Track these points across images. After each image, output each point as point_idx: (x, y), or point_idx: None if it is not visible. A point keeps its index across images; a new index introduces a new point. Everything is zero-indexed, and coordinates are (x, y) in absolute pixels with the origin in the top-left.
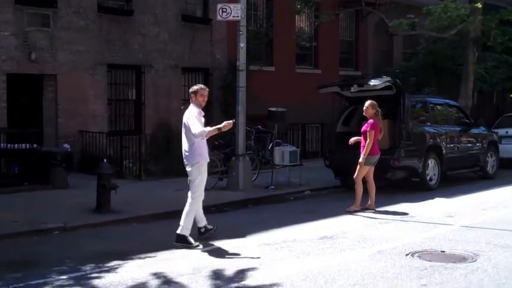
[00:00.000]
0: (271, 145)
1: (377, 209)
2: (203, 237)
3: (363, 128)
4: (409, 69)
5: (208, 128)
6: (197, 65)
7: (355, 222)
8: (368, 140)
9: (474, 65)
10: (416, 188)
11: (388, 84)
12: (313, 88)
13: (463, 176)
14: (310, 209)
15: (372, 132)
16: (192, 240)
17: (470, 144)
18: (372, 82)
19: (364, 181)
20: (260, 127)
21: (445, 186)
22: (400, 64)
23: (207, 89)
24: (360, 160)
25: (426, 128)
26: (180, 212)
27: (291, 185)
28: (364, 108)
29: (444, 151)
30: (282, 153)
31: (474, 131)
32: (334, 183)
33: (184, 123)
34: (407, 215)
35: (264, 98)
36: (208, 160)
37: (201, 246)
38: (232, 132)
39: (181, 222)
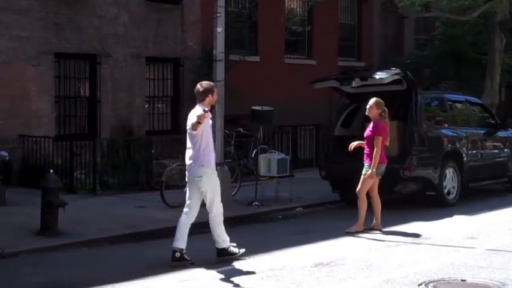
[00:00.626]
0: (255, 152)
1: (384, 230)
2: (173, 264)
3: (367, 133)
4: (422, 59)
5: (193, 119)
6: (165, 54)
7: (357, 246)
8: (375, 149)
9: (501, 54)
10: (431, 203)
11: (397, 77)
12: (307, 82)
13: (487, 188)
14: (302, 229)
15: (379, 139)
16: (235, 250)
17: (496, 150)
18: (378, 75)
19: (368, 196)
20: (241, 130)
21: (466, 201)
22: (411, 53)
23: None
24: (368, 172)
25: (443, 130)
26: (144, 233)
27: (279, 200)
28: (368, 107)
29: (465, 158)
30: (268, 162)
31: (501, 134)
32: (331, 198)
33: (189, 127)
34: (421, 237)
35: (247, 95)
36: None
37: (243, 251)
38: None
39: (216, 237)
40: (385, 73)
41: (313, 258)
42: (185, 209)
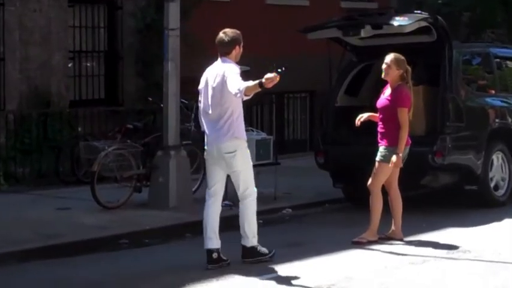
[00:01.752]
0: None
1: (406, 239)
2: (210, 267)
3: (382, 102)
4: None
5: (249, 82)
6: None
7: (368, 262)
8: (402, 126)
9: None
10: (472, 202)
11: (423, 24)
12: (297, 31)
13: None
14: (292, 240)
15: (403, 112)
16: (265, 250)
17: None
18: (397, 21)
19: (385, 192)
20: None
21: None
22: None
23: None
24: (394, 159)
25: (489, 99)
26: (69, 246)
27: (259, 198)
28: (384, 66)
29: None
30: None
31: None
32: (332, 196)
33: (213, 87)
34: (457, 249)
35: (214, 49)
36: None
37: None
38: (155, 107)
39: (246, 231)
40: (406, 18)
41: (307, 280)
42: (210, 199)
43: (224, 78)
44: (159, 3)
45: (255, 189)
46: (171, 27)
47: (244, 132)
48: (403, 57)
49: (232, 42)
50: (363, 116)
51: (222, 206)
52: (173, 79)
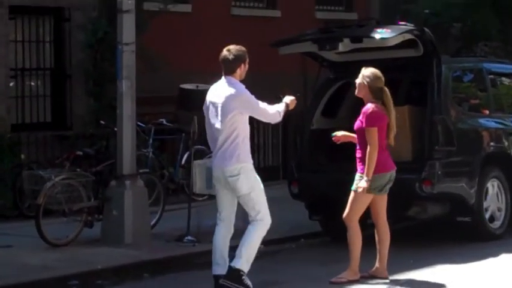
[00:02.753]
0: (186, 156)
1: (391, 278)
2: None
3: (356, 124)
4: (449, 8)
5: (280, 106)
6: (40, 2)
7: None
8: (369, 148)
9: None
10: (465, 235)
11: (408, 37)
12: (268, 45)
13: None
14: (265, 279)
15: (372, 132)
16: (248, 283)
17: None
18: (379, 34)
19: (365, 225)
20: (165, 121)
21: None
22: None
23: None
24: (360, 185)
25: (482, 120)
26: None
27: None
28: (357, 83)
29: None
30: (208, 172)
31: None
32: (309, 229)
33: (219, 108)
34: None
35: (173, 66)
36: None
37: None
38: (108, 131)
39: (241, 252)
40: (389, 30)
41: None
42: (220, 223)
43: (230, 101)
44: (112, 15)
45: (266, 213)
46: (125, 42)
47: (250, 156)
48: (378, 73)
49: (236, 60)
50: (339, 133)
51: (184, 242)
52: (128, 100)
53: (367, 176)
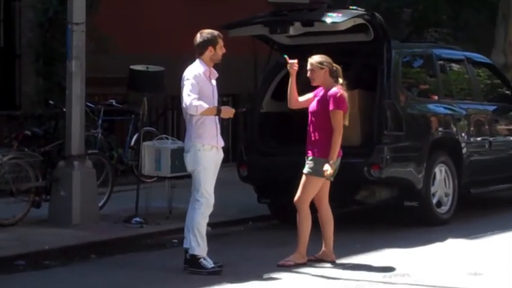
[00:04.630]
0: (135, 138)
1: (338, 261)
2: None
3: (313, 105)
4: None
5: (206, 106)
6: None
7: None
8: (335, 129)
9: None
10: (412, 219)
11: (359, 21)
12: (218, 27)
13: (499, 196)
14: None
15: (338, 113)
16: (206, 264)
17: None
18: (330, 18)
19: (314, 208)
20: (114, 102)
21: (465, 217)
22: None
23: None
24: (325, 169)
25: (431, 105)
26: None
27: (174, 215)
28: (308, 73)
29: (465, 150)
30: (157, 154)
31: None
32: (257, 212)
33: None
34: (395, 272)
35: (123, 46)
36: (217, 144)
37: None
38: (57, 112)
39: (190, 237)
40: (340, 15)
41: None
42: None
43: (183, 82)
44: None
45: (208, 196)
46: (75, 22)
47: (205, 137)
48: (324, 56)
49: (204, 43)
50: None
51: (132, 223)
52: (77, 80)
53: (332, 159)
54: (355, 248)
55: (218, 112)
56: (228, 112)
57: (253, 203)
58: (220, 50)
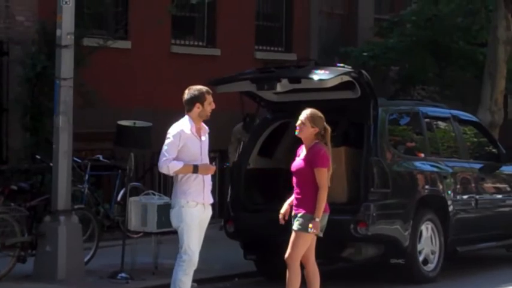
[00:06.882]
0: (122, 193)
1: None
2: None
3: (297, 164)
4: (387, 51)
5: (180, 164)
6: None
7: None
8: (320, 186)
9: (508, 46)
10: (398, 277)
11: (346, 78)
12: (206, 83)
13: (486, 254)
14: None
15: (322, 173)
16: None
17: (500, 196)
18: (317, 75)
19: (302, 265)
20: (101, 157)
21: (452, 275)
22: (370, 42)
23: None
24: (312, 228)
25: (418, 163)
26: None
27: (160, 271)
28: (298, 123)
29: (451, 208)
30: (143, 210)
31: (507, 169)
32: (243, 269)
33: None
34: None
35: (111, 102)
36: (203, 201)
37: None
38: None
39: None
40: (328, 72)
41: None
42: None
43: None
44: (51, 50)
45: (191, 253)
46: (63, 77)
47: (189, 193)
48: (320, 114)
49: (191, 100)
50: (286, 207)
51: (117, 279)
52: (65, 135)
53: (317, 216)
54: None
55: (195, 169)
56: (206, 169)
57: (239, 260)
58: (209, 106)
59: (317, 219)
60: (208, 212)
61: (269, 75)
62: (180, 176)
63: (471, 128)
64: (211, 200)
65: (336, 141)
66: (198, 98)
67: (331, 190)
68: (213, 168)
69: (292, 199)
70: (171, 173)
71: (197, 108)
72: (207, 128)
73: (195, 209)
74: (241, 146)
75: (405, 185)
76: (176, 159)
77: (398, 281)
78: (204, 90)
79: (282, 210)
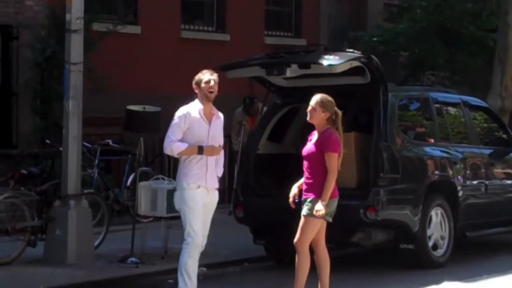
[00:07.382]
0: (132, 178)
1: None
2: None
3: (308, 149)
4: (396, 37)
5: (185, 145)
6: None
7: None
8: (329, 173)
9: None
10: (408, 262)
11: (355, 64)
12: (215, 69)
13: (496, 240)
14: None
15: (332, 158)
16: None
17: (510, 181)
18: (326, 60)
19: (311, 250)
20: (111, 142)
21: (462, 260)
22: (379, 27)
23: (214, 74)
24: (319, 211)
25: (428, 149)
26: None
27: (170, 255)
28: (309, 109)
29: (461, 193)
30: (153, 194)
31: None
32: (253, 253)
33: None
34: None
35: (120, 87)
36: (206, 185)
37: None
38: (53, 151)
39: (178, 277)
40: (337, 57)
41: None
42: None
43: None
44: (61, 34)
45: (194, 235)
46: (72, 61)
47: (190, 176)
48: (331, 99)
49: (194, 84)
50: (295, 190)
51: (127, 263)
52: (74, 119)
53: (323, 200)
54: None
55: (200, 151)
56: (212, 150)
57: (249, 244)
58: (206, 85)
59: (323, 203)
60: (213, 197)
61: (279, 60)
62: (183, 158)
63: (481, 114)
64: (215, 185)
65: (346, 127)
66: (195, 80)
67: (340, 175)
68: (219, 149)
69: (301, 182)
70: (175, 154)
71: (196, 90)
72: (217, 111)
73: (196, 191)
74: (242, 129)
75: (415, 170)
76: (181, 141)
77: (407, 266)
78: (205, 72)
79: (291, 193)
